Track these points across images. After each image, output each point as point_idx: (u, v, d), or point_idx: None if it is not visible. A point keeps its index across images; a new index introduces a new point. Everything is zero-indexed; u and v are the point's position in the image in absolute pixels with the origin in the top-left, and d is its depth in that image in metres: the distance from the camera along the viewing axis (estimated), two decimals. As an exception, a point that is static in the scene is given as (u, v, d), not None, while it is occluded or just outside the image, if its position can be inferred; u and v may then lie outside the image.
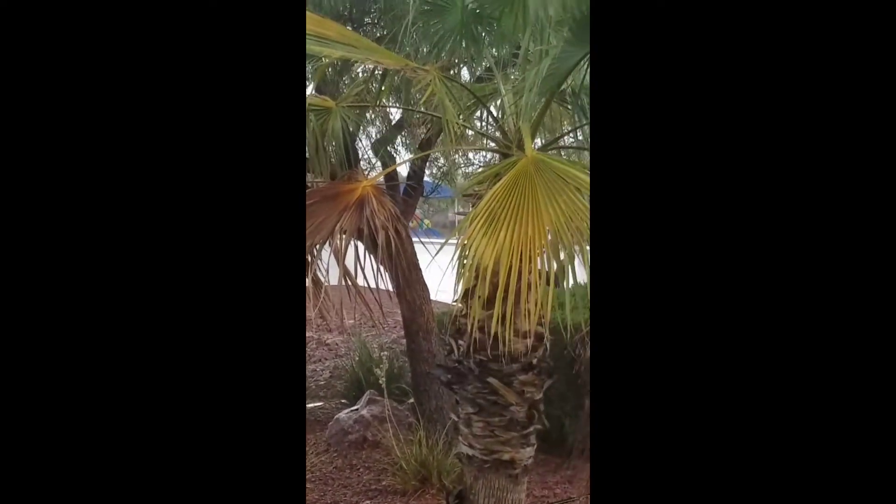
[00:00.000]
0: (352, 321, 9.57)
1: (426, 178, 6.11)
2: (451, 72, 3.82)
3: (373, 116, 4.94)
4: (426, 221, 6.20)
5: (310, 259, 2.56)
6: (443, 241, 2.81)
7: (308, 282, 2.55)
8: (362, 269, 2.82)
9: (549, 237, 2.33)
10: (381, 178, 4.05)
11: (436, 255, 2.67)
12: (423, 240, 4.88)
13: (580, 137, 3.59)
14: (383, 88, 3.38)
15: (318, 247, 2.58)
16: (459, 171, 6.15)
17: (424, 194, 5.63)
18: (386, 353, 4.97)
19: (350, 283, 2.57)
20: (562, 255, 2.33)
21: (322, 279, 2.58)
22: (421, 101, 2.71)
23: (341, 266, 2.59)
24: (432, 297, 5.12)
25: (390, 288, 4.65)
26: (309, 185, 3.07)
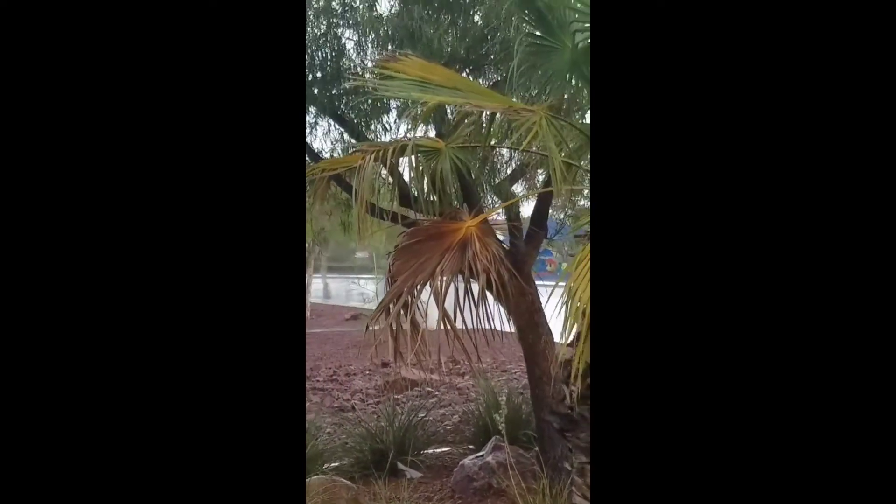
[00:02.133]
0: (484, 364, 9.56)
1: (554, 223, 6.04)
2: (569, 113, 3.77)
3: (492, 159, 4.93)
4: (565, 265, 6.07)
5: (410, 300, 2.55)
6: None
7: (406, 324, 2.53)
8: (477, 309, 2.78)
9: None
10: (496, 217, 4.01)
11: (548, 298, 2.60)
12: (548, 283, 4.79)
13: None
14: (492, 130, 3.35)
15: (418, 287, 2.56)
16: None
17: (548, 236, 5.54)
18: (504, 398, 4.87)
19: (448, 325, 2.52)
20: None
21: (420, 321, 2.56)
22: (525, 142, 2.67)
23: (440, 307, 2.55)
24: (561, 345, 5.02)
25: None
26: (417, 223, 3.08)
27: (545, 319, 4.89)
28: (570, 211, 6.19)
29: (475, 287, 2.72)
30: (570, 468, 2.85)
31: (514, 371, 9.18)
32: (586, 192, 5.21)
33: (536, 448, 5.21)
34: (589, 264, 2.34)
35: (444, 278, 2.60)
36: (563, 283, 2.49)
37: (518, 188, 5.62)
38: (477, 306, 2.60)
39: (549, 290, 4.99)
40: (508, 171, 5.43)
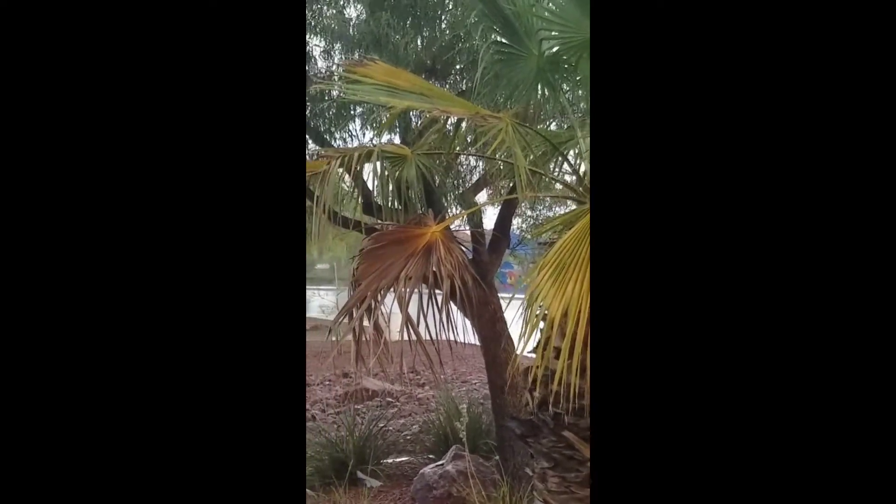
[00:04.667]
0: (444, 375, 9.53)
1: (515, 233, 6.06)
2: (535, 120, 3.79)
3: (454, 168, 4.94)
4: (524, 279, 6.09)
5: (374, 304, 2.53)
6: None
7: (370, 329, 2.51)
8: (430, 317, 2.77)
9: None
10: (459, 226, 4.02)
11: (506, 307, 2.60)
12: (505, 295, 4.81)
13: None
14: (457, 137, 3.36)
15: (382, 292, 2.55)
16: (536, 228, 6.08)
17: (510, 247, 5.56)
18: (465, 406, 4.87)
19: (413, 332, 2.51)
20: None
21: (384, 326, 2.54)
22: (490, 149, 2.67)
23: (404, 314, 2.54)
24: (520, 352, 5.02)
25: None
26: (379, 228, 3.06)
27: (507, 329, 4.90)
28: (532, 221, 6.22)
29: (439, 296, 2.72)
30: (531, 473, 2.85)
31: (473, 382, 9.18)
32: (549, 201, 5.26)
33: (497, 457, 5.22)
34: (550, 271, 2.36)
35: (409, 283, 2.59)
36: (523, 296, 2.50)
37: (482, 198, 5.63)
38: (440, 312, 2.59)
39: (507, 301, 5.02)
40: (473, 180, 5.45)
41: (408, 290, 2.60)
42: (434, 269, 2.64)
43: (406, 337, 2.59)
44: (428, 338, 2.58)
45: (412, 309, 2.58)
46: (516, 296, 2.95)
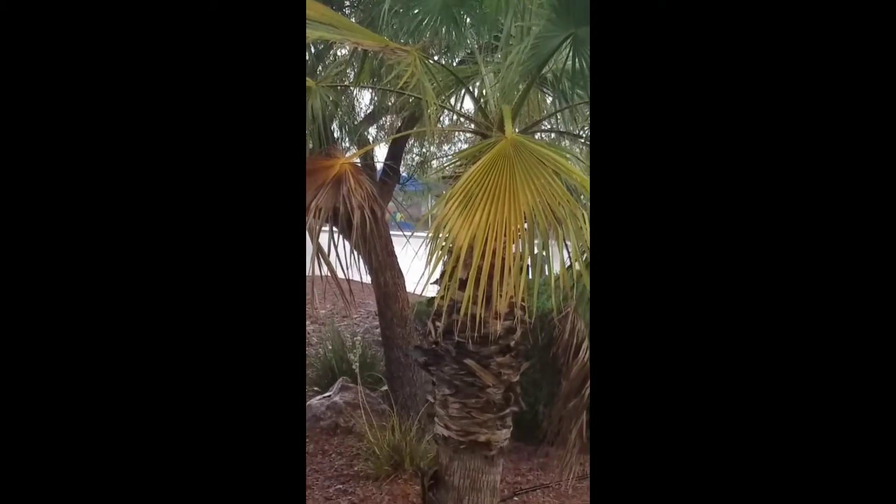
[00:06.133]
0: (324, 311, 9.54)
1: (402, 171, 6.09)
2: (435, 57, 3.80)
3: (349, 101, 4.90)
4: (399, 214, 6.16)
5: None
6: (415, 233, 2.78)
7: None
8: (337, 255, 2.79)
9: (525, 219, 2.33)
10: (358, 160, 4.02)
11: (409, 238, 2.64)
12: (395, 232, 4.85)
13: (560, 123, 3.60)
14: (363, 70, 3.34)
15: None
16: (434, 163, 6.13)
17: (400, 181, 5.61)
18: (359, 338, 4.94)
19: (323, 260, 2.53)
20: (537, 238, 2.33)
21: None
22: (401, 83, 2.69)
23: (315, 243, 2.56)
24: (408, 289, 5.11)
25: (363, 279, 4.61)
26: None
27: (398, 262, 4.97)
28: (418, 159, 6.26)
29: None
30: (432, 400, 2.96)
31: (354, 317, 9.24)
32: (446, 147, 5.29)
33: (386, 387, 5.32)
34: (457, 202, 2.40)
35: (319, 215, 2.60)
36: (421, 233, 2.53)
37: (372, 131, 5.63)
38: (353, 250, 2.61)
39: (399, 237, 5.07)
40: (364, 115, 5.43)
41: (318, 221, 2.62)
42: (344, 198, 2.66)
43: (317, 271, 2.61)
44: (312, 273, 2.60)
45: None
46: (408, 235, 2.99)
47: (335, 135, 4.75)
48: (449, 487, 2.85)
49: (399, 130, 5.12)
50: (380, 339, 5.58)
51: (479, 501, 2.86)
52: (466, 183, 2.42)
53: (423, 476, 2.91)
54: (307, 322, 8.48)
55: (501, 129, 2.70)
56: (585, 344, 2.97)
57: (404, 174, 6.14)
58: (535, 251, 2.37)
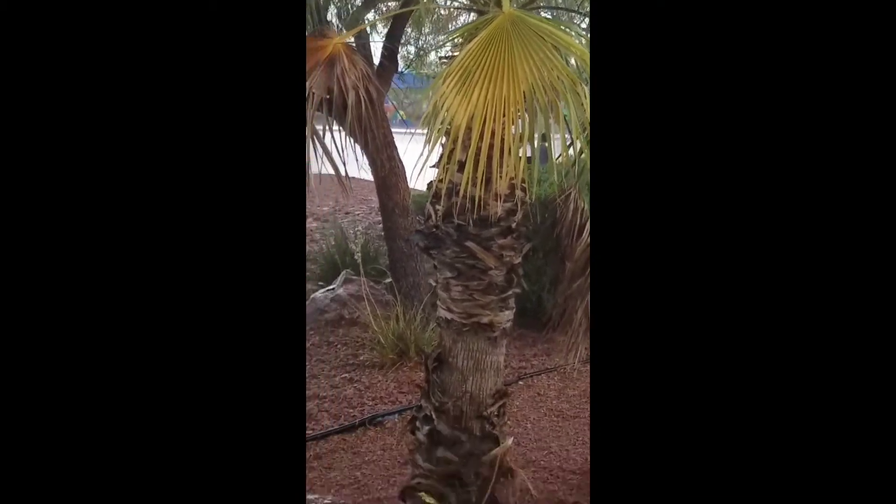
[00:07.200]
0: (326, 208, 9.55)
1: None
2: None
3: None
4: (401, 112, 6.05)
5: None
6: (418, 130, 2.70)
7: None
8: (333, 141, 2.71)
9: (525, 98, 2.26)
10: (352, 39, 3.90)
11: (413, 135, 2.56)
12: (397, 129, 4.77)
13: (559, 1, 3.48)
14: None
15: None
16: (431, 55, 5.99)
17: (398, 70, 5.47)
18: (360, 230, 4.93)
19: (318, 144, 2.47)
20: (537, 116, 2.26)
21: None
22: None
23: (310, 126, 2.49)
24: (410, 185, 5.06)
25: (362, 174, 4.55)
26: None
27: (397, 153, 4.91)
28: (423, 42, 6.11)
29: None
30: (434, 284, 2.94)
31: (357, 213, 9.25)
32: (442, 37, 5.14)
33: (389, 279, 5.34)
34: (454, 81, 2.33)
35: (313, 98, 2.52)
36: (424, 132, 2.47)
37: (370, 17, 5.46)
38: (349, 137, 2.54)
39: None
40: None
41: (312, 105, 2.54)
42: (339, 79, 2.58)
43: (314, 168, 2.56)
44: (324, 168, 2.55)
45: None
46: (411, 132, 2.91)
47: (333, 24, 4.62)
48: (452, 369, 2.86)
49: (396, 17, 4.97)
50: (382, 234, 5.58)
51: (483, 381, 2.87)
52: (464, 60, 2.35)
53: (427, 359, 2.91)
54: (309, 218, 8.49)
55: (499, 4, 2.60)
56: (589, 224, 2.94)
57: (402, 69, 5.99)
58: (535, 131, 2.31)
